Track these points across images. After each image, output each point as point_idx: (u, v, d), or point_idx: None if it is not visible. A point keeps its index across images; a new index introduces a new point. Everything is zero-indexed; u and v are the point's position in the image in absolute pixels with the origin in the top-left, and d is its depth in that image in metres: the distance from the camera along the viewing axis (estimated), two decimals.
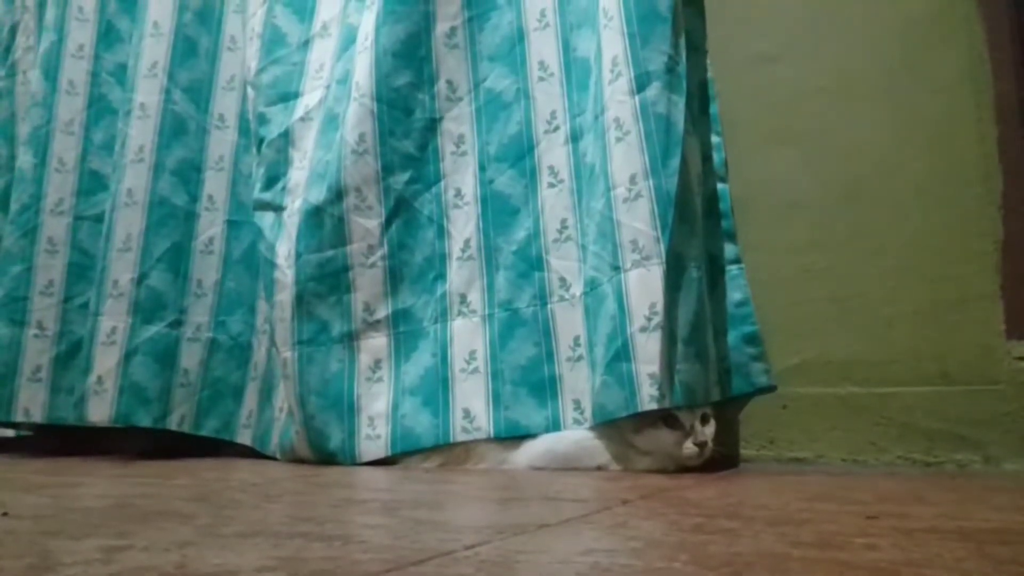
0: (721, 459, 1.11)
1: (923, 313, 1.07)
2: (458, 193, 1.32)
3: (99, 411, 1.42)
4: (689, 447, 1.01)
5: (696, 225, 1.09)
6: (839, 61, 1.17)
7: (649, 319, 1.01)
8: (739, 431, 1.18)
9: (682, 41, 1.11)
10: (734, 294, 1.16)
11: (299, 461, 1.33)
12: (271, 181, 1.45)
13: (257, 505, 0.77)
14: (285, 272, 1.35)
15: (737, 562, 0.45)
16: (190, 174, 1.56)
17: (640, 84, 1.08)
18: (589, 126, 1.17)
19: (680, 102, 1.08)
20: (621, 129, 1.09)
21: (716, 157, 1.20)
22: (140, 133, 1.53)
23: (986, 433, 1.02)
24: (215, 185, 1.59)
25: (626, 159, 1.07)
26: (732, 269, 1.17)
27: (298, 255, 1.34)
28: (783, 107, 1.20)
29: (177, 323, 1.50)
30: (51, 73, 1.69)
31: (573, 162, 1.21)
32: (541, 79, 1.27)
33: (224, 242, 1.57)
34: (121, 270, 1.47)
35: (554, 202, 1.22)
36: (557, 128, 1.24)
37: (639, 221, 1.05)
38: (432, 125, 1.35)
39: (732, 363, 1.13)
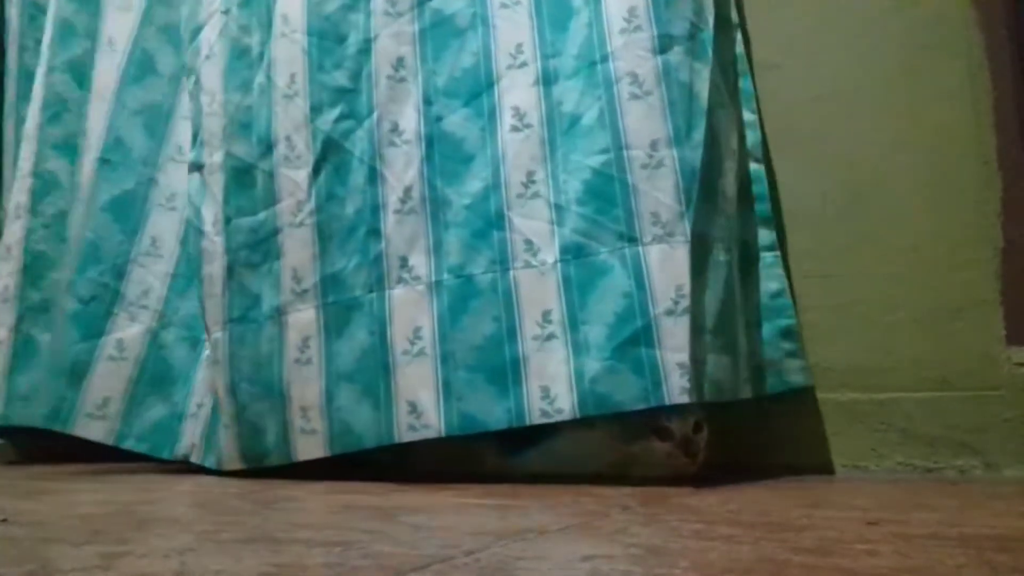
0: (719, 465, 1.11)
1: (923, 319, 1.07)
2: (395, 128, 1.11)
3: None
4: (680, 458, 0.96)
5: (723, 204, 1.00)
6: (839, 68, 1.17)
7: (676, 302, 0.91)
8: (738, 436, 1.18)
9: (708, 11, 1.04)
10: (769, 284, 1.07)
11: (223, 471, 1.15)
12: (193, 137, 1.27)
13: (256, 511, 0.77)
14: (214, 240, 1.18)
15: (737, 568, 0.45)
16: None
17: (662, 45, 1.00)
18: (572, 71, 1.05)
19: (704, 71, 1.00)
20: (640, 87, 0.99)
21: (750, 136, 1.11)
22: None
23: (987, 439, 1.02)
24: None
25: (646, 120, 0.98)
26: (767, 256, 1.07)
27: (227, 219, 1.17)
28: (783, 114, 1.20)
29: None
30: None
31: (544, 107, 1.05)
32: (504, 6, 1.10)
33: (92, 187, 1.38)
34: None
35: (519, 149, 1.05)
36: (524, 64, 1.07)
37: (661, 192, 0.95)
38: (366, 46, 1.14)
39: (765, 359, 1.04)
